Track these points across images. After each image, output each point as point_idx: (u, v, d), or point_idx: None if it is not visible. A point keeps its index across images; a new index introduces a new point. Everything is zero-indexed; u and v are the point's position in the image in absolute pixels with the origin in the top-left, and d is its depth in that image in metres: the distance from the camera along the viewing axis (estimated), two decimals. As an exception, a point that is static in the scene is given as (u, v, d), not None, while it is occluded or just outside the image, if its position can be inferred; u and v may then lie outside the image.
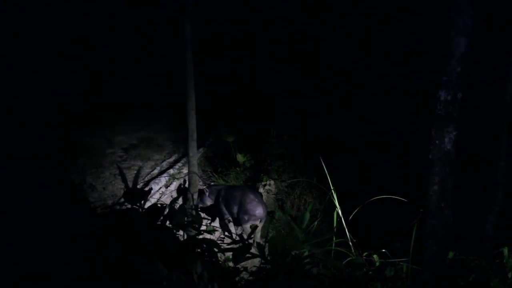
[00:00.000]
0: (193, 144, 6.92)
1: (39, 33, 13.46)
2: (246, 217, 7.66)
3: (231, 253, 3.29)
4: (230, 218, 7.95)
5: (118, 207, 7.77)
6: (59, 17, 13.76)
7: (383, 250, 4.04)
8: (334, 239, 4.28)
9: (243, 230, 7.81)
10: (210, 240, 3.33)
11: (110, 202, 8.38)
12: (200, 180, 7.90)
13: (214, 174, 9.36)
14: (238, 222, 7.92)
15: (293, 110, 10.86)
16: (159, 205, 3.32)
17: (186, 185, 7.84)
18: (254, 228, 7.43)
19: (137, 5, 14.17)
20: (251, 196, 7.70)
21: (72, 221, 3.80)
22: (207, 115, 8.99)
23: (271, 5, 13.04)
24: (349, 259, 3.97)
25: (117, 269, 3.01)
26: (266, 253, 3.28)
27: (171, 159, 10.17)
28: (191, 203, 6.94)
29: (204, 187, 8.32)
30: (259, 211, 7.63)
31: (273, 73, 12.61)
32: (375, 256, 3.94)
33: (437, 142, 3.86)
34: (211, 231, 3.66)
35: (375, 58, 10.46)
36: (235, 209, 7.72)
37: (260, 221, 7.77)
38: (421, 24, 8.89)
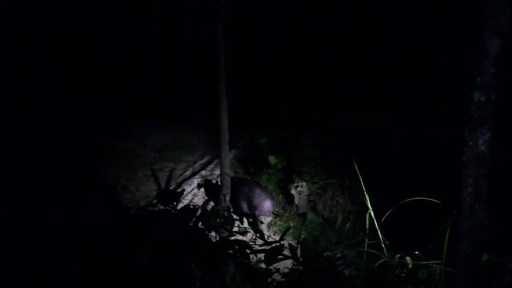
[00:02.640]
0: (225, 146, 6.94)
1: (66, 34, 13.61)
2: (256, 213, 7.76)
3: (263, 254, 3.29)
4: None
5: (150, 208, 7.83)
6: (86, 17, 13.89)
7: (416, 252, 4.01)
8: (366, 240, 4.26)
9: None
10: (242, 241, 3.34)
11: (143, 203, 8.42)
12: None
13: (246, 176, 9.36)
14: (247, 216, 8.04)
15: (326, 111, 10.82)
16: (191, 206, 3.34)
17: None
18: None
19: (171, 7, 14.25)
20: (258, 191, 7.77)
21: (105, 222, 3.84)
22: (239, 116, 9.01)
23: (305, 4, 13.03)
24: (381, 261, 3.95)
25: (150, 270, 3.03)
26: (299, 254, 3.28)
27: (203, 161, 10.20)
28: (223, 204, 6.97)
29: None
30: (267, 205, 7.73)
31: (306, 74, 12.58)
32: (408, 258, 3.91)
33: (470, 143, 3.81)
34: (243, 233, 3.68)
35: (408, 59, 10.38)
36: (244, 205, 7.78)
37: (268, 215, 7.95)
38: (456, 24, 8.82)
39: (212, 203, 7.82)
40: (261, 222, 8.17)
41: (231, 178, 7.63)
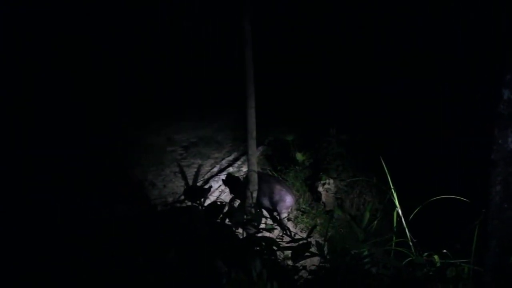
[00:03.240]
0: (252, 143, 6.94)
1: (83, 30, 13.71)
2: (277, 208, 7.84)
3: (290, 251, 3.30)
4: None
5: (178, 205, 7.89)
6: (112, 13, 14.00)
7: (444, 251, 3.98)
8: (394, 238, 4.24)
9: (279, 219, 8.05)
10: (269, 238, 3.35)
11: (170, 199, 8.47)
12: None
13: (273, 173, 9.36)
14: (269, 211, 8.15)
15: (353, 108, 10.78)
16: (218, 203, 3.36)
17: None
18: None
19: (196, 3, 14.29)
20: (278, 187, 7.86)
21: (133, 218, 3.87)
22: (266, 113, 9.00)
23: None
24: (409, 259, 3.93)
25: (177, 266, 3.05)
26: (326, 252, 3.28)
27: (231, 157, 10.23)
28: (250, 201, 6.98)
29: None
30: (288, 200, 7.83)
31: (333, 71, 12.54)
32: (435, 256, 3.89)
33: (500, 141, 3.77)
34: (270, 229, 3.68)
35: (436, 56, 10.30)
36: (265, 200, 7.82)
37: (289, 210, 8.08)
38: (484, 21, 8.73)
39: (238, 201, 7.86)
40: (288, 219, 8.18)
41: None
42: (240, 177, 8.69)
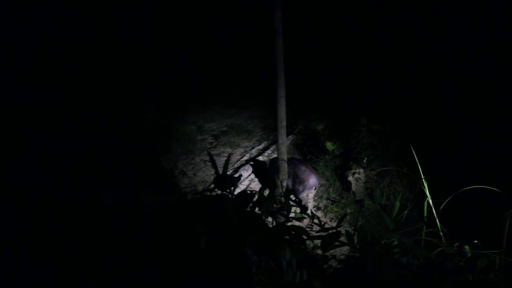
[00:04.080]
0: (282, 132, 6.94)
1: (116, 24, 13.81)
2: (300, 188, 7.95)
3: (320, 240, 3.30)
4: None
5: (208, 193, 7.94)
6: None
7: (475, 241, 3.95)
8: (424, 228, 4.21)
9: (299, 200, 8.20)
10: (299, 227, 3.35)
11: (200, 188, 8.52)
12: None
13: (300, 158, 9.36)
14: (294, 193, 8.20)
15: (384, 97, 10.72)
16: (248, 191, 3.36)
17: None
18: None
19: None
20: (302, 168, 8.02)
21: (164, 206, 3.90)
22: (296, 102, 8.99)
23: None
24: (439, 249, 3.90)
25: (207, 254, 3.07)
26: (355, 241, 3.27)
27: (261, 146, 10.25)
28: (280, 190, 6.99)
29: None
30: (312, 179, 7.95)
31: (363, 59, 12.48)
32: (466, 247, 3.86)
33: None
34: (300, 218, 3.68)
35: (474, 46, 10.20)
36: (289, 181, 7.87)
37: (314, 189, 8.09)
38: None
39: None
40: (318, 208, 8.17)
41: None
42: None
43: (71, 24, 13.17)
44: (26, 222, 6.40)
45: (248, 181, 8.85)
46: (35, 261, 5.51)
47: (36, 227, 6.21)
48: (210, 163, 9.11)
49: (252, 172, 8.82)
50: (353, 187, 8.63)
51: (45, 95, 11.22)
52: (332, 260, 3.43)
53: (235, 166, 9.40)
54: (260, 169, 8.69)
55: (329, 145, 9.39)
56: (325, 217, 8.21)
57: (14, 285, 5.20)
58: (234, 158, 9.81)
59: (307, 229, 3.43)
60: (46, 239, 5.88)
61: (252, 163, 8.94)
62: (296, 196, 8.11)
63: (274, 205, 3.40)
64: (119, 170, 8.44)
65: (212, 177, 8.52)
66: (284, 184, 7.29)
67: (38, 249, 5.71)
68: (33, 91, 11.28)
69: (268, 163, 8.53)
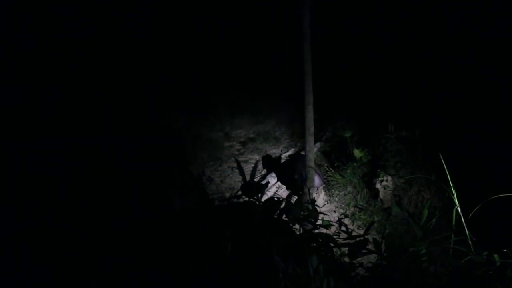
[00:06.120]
0: (310, 139, 6.93)
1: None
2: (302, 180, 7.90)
3: (347, 248, 3.29)
4: None
5: (235, 200, 7.97)
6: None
7: (505, 250, 3.91)
8: (452, 237, 4.18)
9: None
10: (326, 234, 3.34)
11: (227, 194, 8.55)
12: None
13: (331, 169, 9.33)
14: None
15: (412, 103, 10.65)
16: (275, 198, 3.37)
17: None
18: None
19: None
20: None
21: (191, 212, 3.92)
22: (324, 109, 8.98)
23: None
24: (468, 258, 3.87)
25: (234, 260, 3.08)
26: (383, 249, 3.26)
27: (288, 153, 10.24)
28: (308, 197, 6.99)
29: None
30: (317, 180, 7.93)
31: (390, 66, 12.40)
32: (495, 255, 3.82)
33: None
34: (327, 226, 3.68)
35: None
36: (298, 177, 7.96)
37: (317, 190, 8.32)
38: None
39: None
40: (345, 216, 8.16)
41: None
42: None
43: (80, 24, 13.27)
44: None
45: (275, 188, 8.85)
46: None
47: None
48: (237, 170, 9.13)
49: (263, 167, 8.89)
50: (381, 195, 8.60)
51: (58, 97, 11.34)
52: (360, 268, 3.42)
53: (263, 173, 9.41)
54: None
55: (357, 152, 9.35)
56: (353, 225, 8.18)
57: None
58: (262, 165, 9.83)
59: (334, 237, 3.42)
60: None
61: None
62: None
63: (302, 212, 3.40)
64: (151, 175, 8.52)
65: (240, 184, 8.55)
66: (311, 191, 7.30)
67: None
68: (52, 92, 11.38)
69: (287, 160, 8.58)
